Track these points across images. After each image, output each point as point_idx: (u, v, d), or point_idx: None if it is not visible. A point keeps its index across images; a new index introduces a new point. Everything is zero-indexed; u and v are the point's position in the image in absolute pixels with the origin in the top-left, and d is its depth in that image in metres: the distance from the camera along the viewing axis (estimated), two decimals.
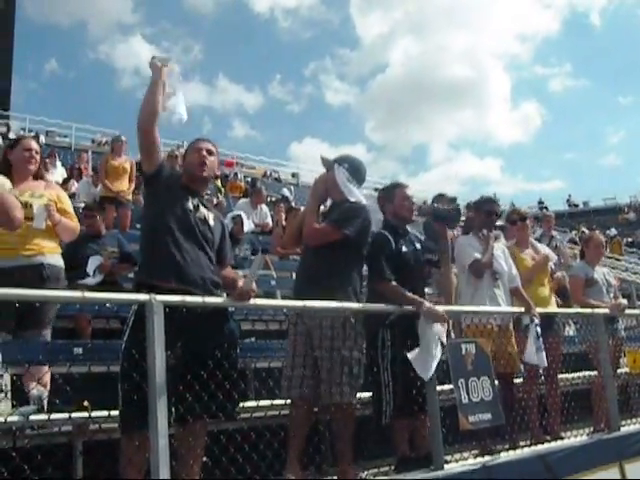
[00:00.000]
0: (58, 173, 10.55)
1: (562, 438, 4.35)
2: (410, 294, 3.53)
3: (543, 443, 4.14)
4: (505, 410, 3.88)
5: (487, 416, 3.57)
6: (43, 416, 2.89)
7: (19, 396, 3.07)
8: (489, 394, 3.63)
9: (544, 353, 4.09)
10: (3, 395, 2.87)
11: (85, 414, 2.99)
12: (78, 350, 3.32)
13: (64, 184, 9.73)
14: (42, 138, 18.87)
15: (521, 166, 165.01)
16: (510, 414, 4.10)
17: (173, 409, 2.69)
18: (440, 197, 5.16)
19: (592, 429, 4.72)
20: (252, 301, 2.83)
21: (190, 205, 2.91)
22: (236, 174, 16.55)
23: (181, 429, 2.77)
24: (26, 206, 3.54)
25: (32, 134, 19.36)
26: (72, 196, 8.79)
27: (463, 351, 3.63)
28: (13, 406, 3.00)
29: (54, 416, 2.92)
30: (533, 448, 3.98)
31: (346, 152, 3.84)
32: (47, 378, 3.06)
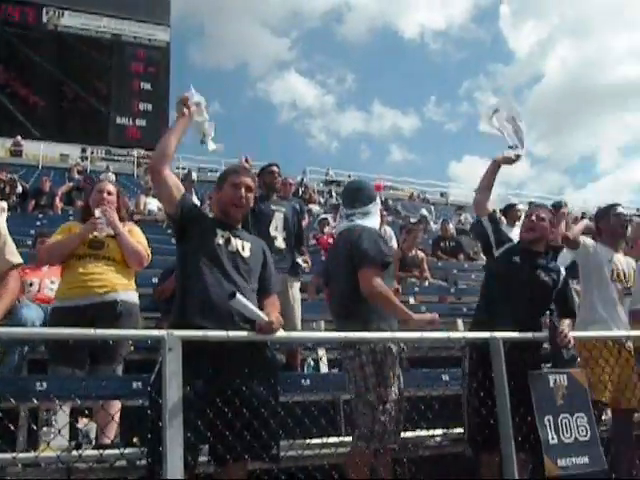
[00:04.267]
0: None
1: None
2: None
3: None
4: (622, 452, 3.32)
5: (583, 460, 3.04)
6: (93, 452, 2.92)
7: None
8: (586, 434, 3.10)
9: None
10: (56, 431, 2.94)
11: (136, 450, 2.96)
12: (138, 385, 3.33)
13: None
14: (194, 175, 20.25)
15: None
16: (629, 456, 3.49)
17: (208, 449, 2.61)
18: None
19: None
20: (283, 334, 2.68)
21: (220, 239, 2.78)
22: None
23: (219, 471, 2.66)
24: (103, 245, 3.68)
25: (185, 171, 20.96)
26: None
27: (551, 383, 3.14)
28: (69, 442, 3.09)
29: (88, 452, 2.93)
30: None
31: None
32: (107, 412, 3.10)
